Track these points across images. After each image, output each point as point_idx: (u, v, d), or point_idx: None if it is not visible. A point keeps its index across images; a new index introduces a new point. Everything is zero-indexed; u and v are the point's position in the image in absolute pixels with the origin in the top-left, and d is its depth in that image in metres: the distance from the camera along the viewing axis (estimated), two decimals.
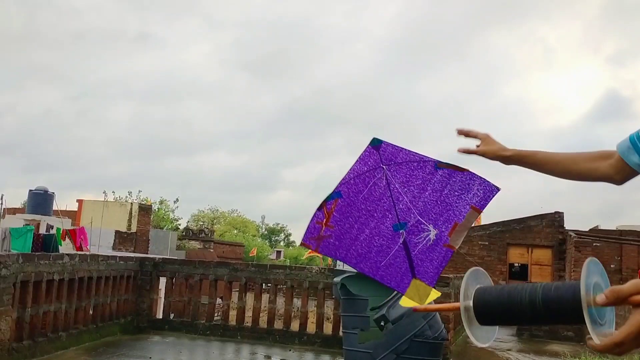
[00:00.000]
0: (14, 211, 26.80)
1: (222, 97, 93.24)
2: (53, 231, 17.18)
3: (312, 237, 2.47)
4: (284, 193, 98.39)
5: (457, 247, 2.50)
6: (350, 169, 2.44)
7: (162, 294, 9.35)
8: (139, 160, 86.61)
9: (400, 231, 2.41)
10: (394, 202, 2.42)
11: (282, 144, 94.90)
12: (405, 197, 2.38)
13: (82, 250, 16.28)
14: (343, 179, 2.42)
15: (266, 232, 69.41)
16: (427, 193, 2.40)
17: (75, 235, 16.92)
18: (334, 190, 2.44)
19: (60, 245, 15.70)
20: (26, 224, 18.13)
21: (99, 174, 72.60)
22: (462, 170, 2.43)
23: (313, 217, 2.43)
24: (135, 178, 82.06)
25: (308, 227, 2.44)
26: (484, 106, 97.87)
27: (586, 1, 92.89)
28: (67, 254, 7.02)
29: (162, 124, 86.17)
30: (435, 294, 2.52)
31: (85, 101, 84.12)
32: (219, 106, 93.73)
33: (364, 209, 2.43)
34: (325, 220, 2.49)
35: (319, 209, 2.44)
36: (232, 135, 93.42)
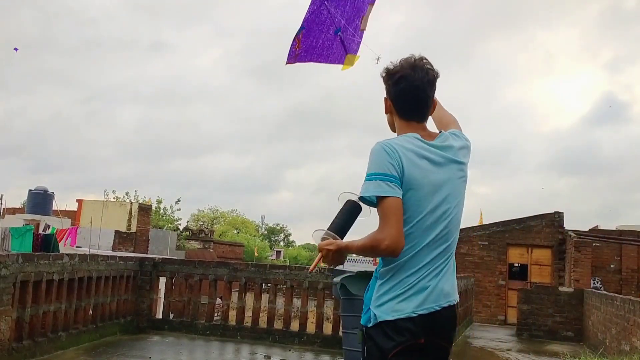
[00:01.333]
0: (13, 211, 26.78)
1: (228, 101, 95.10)
2: (49, 231, 17.21)
3: (291, 57, 4.04)
4: (285, 194, 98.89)
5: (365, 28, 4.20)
6: (306, 12, 3.97)
7: (161, 294, 9.34)
8: (145, 162, 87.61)
9: (338, 34, 4.03)
10: (333, 19, 3.96)
11: (285, 146, 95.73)
12: (337, 15, 3.93)
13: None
14: (304, 19, 3.93)
15: (266, 232, 69.41)
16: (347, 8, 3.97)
17: (62, 235, 16.97)
18: (300, 26, 3.94)
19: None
20: (26, 224, 18.14)
21: (105, 176, 73.47)
22: None
23: (291, 46, 3.88)
24: (140, 179, 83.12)
25: (289, 52, 3.98)
26: (486, 110, 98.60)
27: (584, 9, 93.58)
28: (67, 254, 7.01)
29: (169, 126, 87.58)
30: (356, 58, 4.32)
31: (95, 105, 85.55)
32: (226, 110, 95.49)
33: (317, 30, 4.01)
34: (297, 45, 4.03)
35: (293, 40, 3.93)
36: (237, 138, 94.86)
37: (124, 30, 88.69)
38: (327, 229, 2.30)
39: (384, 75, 2.25)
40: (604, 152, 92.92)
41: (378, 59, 3.60)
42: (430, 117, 2.30)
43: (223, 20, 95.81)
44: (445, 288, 2.12)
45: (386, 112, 2.30)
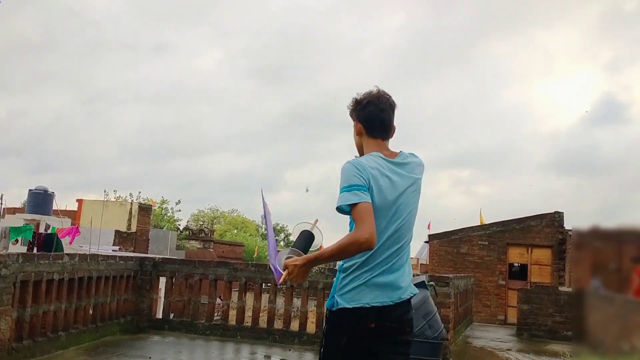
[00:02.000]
0: (13, 211, 26.80)
1: (230, 101, 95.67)
2: (49, 231, 17.20)
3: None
4: (286, 194, 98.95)
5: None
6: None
7: (161, 293, 9.34)
8: (146, 162, 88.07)
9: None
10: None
11: (286, 147, 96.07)
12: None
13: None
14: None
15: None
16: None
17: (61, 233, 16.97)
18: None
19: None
20: (26, 224, 18.14)
21: (106, 176, 73.86)
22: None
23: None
24: (141, 179, 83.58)
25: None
26: (486, 110, 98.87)
27: (584, 10, 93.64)
28: (67, 254, 7.01)
29: (170, 127, 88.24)
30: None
31: (97, 105, 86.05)
32: (227, 110, 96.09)
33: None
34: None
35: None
36: (238, 138, 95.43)
37: (126, 32, 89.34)
38: (291, 247, 2.68)
39: (352, 104, 2.72)
40: (604, 152, 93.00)
41: (307, 189, 3.71)
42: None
43: (225, 22, 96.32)
44: (397, 283, 2.54)
45: (357, 134, 2.74)
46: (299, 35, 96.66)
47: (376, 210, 2.46)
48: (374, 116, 2.65)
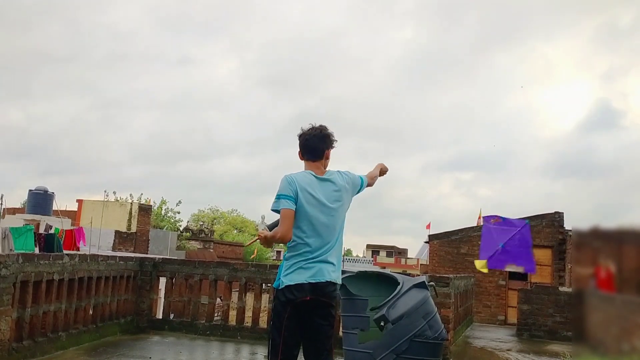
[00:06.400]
0: (13, 211, 26.77)
1: (240, 108, 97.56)
2: (52, 231, 17.15)
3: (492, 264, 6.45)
4: None
5: None
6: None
7: (162, 294, 9.34)
8: (155, 165, 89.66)
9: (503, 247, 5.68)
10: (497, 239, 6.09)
11: (293, 150, 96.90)
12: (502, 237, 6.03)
13: (76, 249, 16.39)
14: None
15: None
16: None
17: (72, 235, 16.90)
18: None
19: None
20: (26, 224, 18.11)
21: (114, 178, 74.63)
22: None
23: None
24: (148, 181, 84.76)
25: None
26: (488, 116, 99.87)
27: (583, 24, 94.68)
28: (67, 254, 7.01)
29: (182, 132, 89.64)
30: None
31: (111, 111, 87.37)
32: (237, 117, 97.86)
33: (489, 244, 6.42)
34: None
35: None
36: (247, 143, 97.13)
37: (148, 44, 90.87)
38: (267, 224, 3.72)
39: (298, 135, 3.69)
40: (602, 155, 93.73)
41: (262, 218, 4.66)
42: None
43: (240, 34, 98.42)
44: (326, 269, 3.43)
45: (299, 156, 3.71)
46: (310, 47, 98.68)
47: (304, 214, 3.42)
48: (304, 145, 3.64)
